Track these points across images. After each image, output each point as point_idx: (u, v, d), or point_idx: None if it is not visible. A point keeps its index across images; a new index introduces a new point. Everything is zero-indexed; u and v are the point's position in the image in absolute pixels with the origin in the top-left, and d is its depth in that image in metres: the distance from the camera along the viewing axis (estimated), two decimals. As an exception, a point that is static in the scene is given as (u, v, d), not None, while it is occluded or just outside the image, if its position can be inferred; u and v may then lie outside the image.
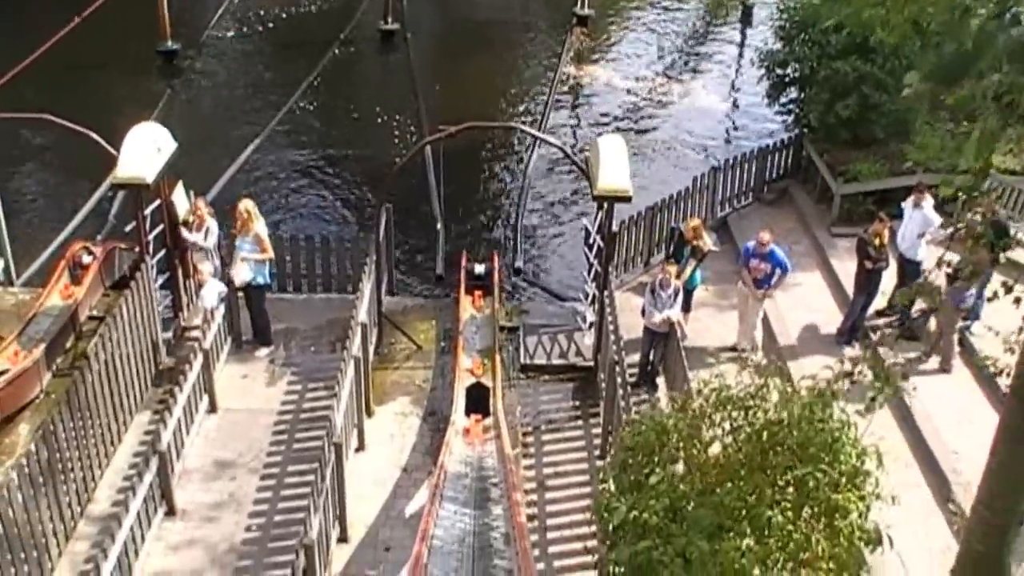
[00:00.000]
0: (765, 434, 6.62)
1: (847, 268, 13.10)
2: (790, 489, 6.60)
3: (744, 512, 6.38)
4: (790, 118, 16.71)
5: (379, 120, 20.03)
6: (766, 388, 6.78)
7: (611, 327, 10.81)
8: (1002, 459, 6.22)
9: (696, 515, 6.38)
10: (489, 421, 10.41)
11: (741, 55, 23.87)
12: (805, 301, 13.24)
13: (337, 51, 22.96)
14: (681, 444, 6.76)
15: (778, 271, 11.93)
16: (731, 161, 15.23)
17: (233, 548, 9.59)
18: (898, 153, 14.45)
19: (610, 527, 6.64)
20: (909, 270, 12.39)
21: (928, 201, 12.51)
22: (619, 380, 9.76)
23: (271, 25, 24.87)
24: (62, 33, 21.02)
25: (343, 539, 9.59)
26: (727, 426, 6.81)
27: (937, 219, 12.45)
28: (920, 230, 12.42)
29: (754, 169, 15.45)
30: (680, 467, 6.84)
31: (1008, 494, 6.26)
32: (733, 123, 20.41)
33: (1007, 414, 6.21)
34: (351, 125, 20.02)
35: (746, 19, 25.91)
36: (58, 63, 20.14)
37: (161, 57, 22.44)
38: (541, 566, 9.21)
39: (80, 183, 17.54)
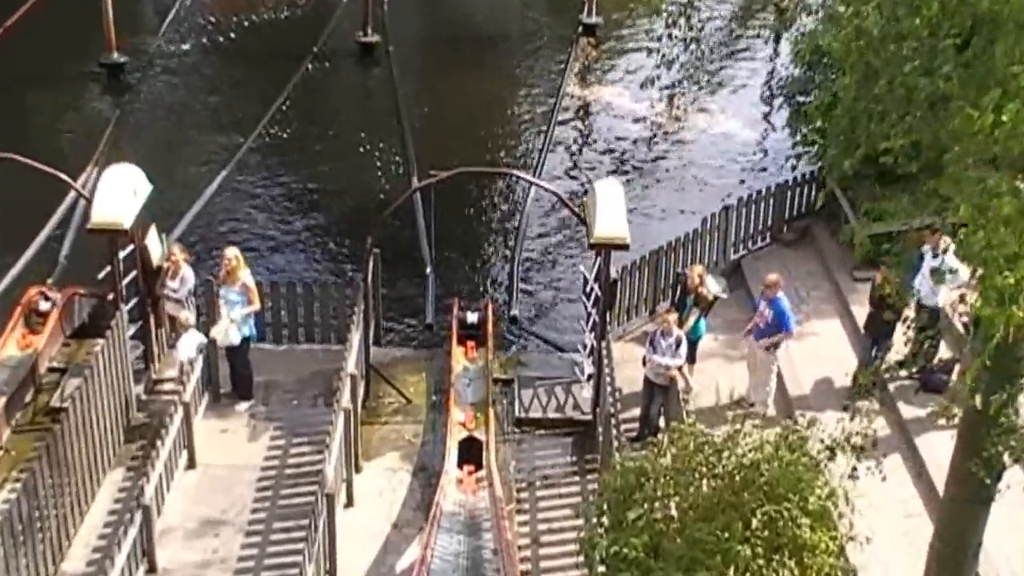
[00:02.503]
0: (737, 476, 9.10)
1: (868, 315, 15.49)
2: (764, 530, 9.06)
3: (716, 547, 8.83)
4: (813, 150, 19.21)
5: (360, 149, 22.67)
6: (739, 434, 9.27)
7: (608, 380, 13.29)
8: (952, 496, 8.70)
9: (672, 549, 8.84)
10: (482, 473, 12.91)
11: (772, 70, 26.26)
12: (821, 351, 15.68)
13: (310, 67, 25.58)
14: (660, 486, 9.22)
15: (781, 330, 14.24)
16: (745, 199, 17.74)
17: (219, 606, 12.01)
18: (929, 190, 16.85)
19: (595, 562, 9.10)
20: (927, 317, 14.80)
21: (947, 244, 14.91)
22: (613, 433, 12.23)
23: (232, 36, 27.54)
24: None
25: (334, 593, 12.02)
26: (704, 469, 9.29)
27: (957, 265, 14.84)
28: (939, 276, 14.84)
29: (771, 207, 17.96)
30: (673, 507, 9.30)
31: (958, 528, 8.73)
32: (757, 152, 22.90)
33: (954, 457, 8.69)
34: (328, 154, 22.61)
35: (779, 22, 28.40)
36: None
37: (106, 71, 25.01)
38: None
39: (22, 220, 19.89)
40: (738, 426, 9.51)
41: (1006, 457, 8.15)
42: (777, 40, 27.41)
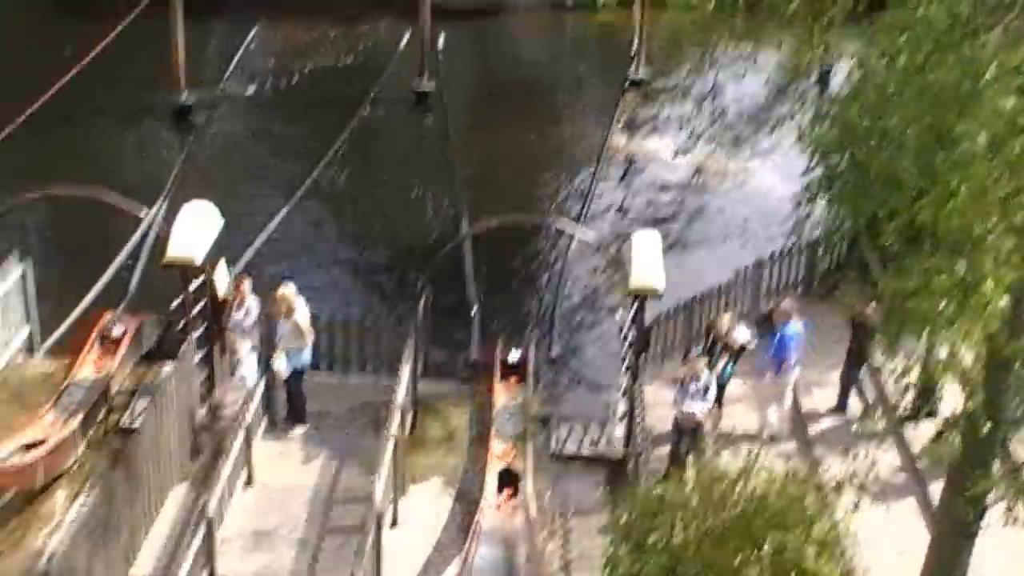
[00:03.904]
0: (750, 506, 10.19)
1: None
2: (773, 556, 10.13)
3: (728, 570, 9.91)
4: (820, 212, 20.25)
5: (412, 193, 24.07)
6: (751, 468, 10.37)
7: (639, 420, 14.44)
8: (940, 531, 9.75)
9: (687, 570, 9.94)
10: (518, 500, 14.08)
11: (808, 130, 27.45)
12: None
13: (366, 112, 27.12)
14: (679, 513, 10.33)
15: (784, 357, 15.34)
16: (776, 253, 18.88)
17: (273, 613, 13.23)
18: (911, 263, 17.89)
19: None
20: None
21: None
22: (641, 470, 13.38)
23: (293, 81, 29.18)
24: (62, 81, 25.48)
25: (379, 607, 13.19)
26: (719, 499, 10.39)
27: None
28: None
29: (802, 262, 19.06)
30: (690, 533, 10.40)
31: (946, 561, 9.77)
32: (793, 207, 23.97)
33: (943, 495, 9.74)
34: (382, 197, 24.02)
35: (823, 84, 29.57)
36: (55, 112, 24.31)
37: (173, 111, 26.70)
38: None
39: (93, 250, 21.40)
40: (751, 461, 10.61)
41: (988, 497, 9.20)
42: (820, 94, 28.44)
